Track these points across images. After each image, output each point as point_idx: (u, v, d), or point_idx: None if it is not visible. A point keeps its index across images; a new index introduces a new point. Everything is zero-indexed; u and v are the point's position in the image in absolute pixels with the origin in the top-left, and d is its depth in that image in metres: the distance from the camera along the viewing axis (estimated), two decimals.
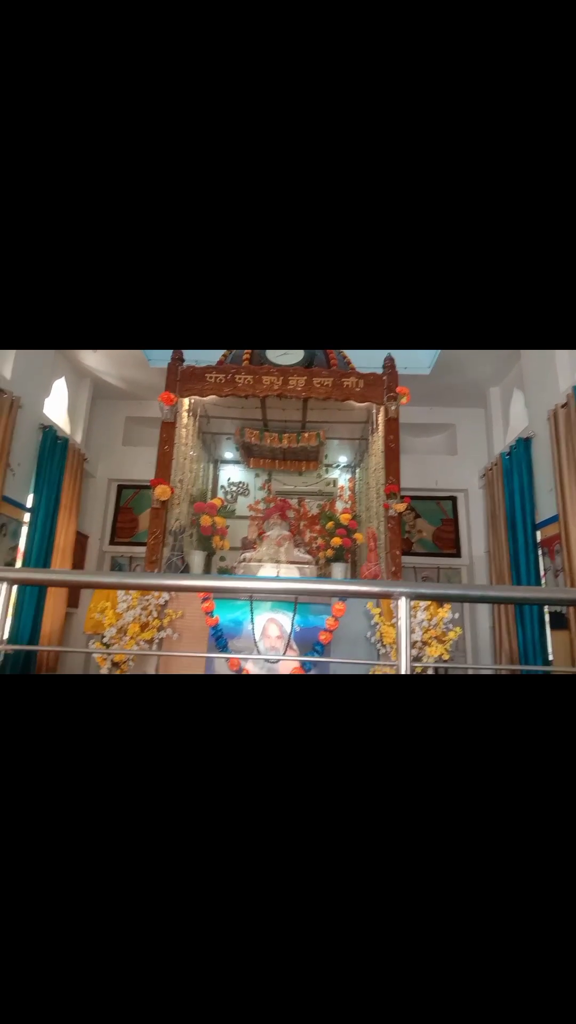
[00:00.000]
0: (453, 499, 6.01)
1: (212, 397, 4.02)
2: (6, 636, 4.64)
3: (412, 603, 2.91)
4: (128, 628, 2.93)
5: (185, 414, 4.14)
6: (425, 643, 2.89)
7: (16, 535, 4.52)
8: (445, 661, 5.51)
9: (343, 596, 3.11)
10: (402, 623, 1.48)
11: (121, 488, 6.13)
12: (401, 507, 3.60)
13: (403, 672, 1.43)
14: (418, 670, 2.84)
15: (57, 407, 5.25)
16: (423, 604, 3.00)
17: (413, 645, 2.83)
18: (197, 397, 4.05)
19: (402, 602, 1.47)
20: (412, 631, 2.77)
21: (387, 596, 1.48)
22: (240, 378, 3.92)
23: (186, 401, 4.09)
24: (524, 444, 4.65)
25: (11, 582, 1.54)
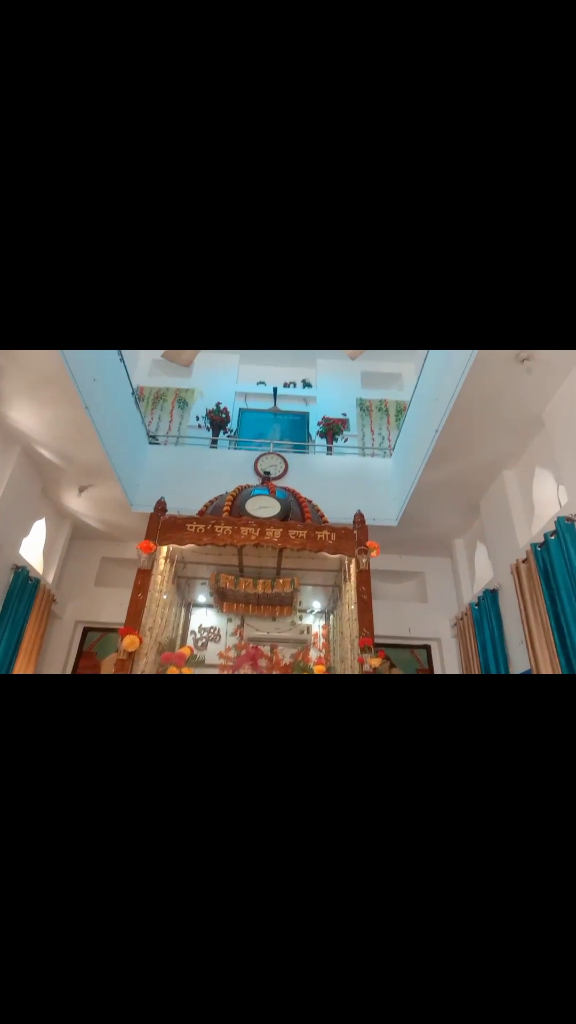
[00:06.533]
0: (427, 647, 5.96)
1: (190, 544, 4.14)
2: None
3: None
4: None
5: (162, 560, 4.20)
6: None
7: None
8: None
9: None
10: None
11: (87, 631, 5.90)
12: (376, 662, 3.55)
13: None
14: None
15: (33, 548, 5.26)
16: None
17: None
18: (176, 545, 4.16)
19: None
20: None
21: None
22: (220, 528, 4.09)
23: (164, 548, 4.18)
24: (491, 595, 4.78)
25: None
